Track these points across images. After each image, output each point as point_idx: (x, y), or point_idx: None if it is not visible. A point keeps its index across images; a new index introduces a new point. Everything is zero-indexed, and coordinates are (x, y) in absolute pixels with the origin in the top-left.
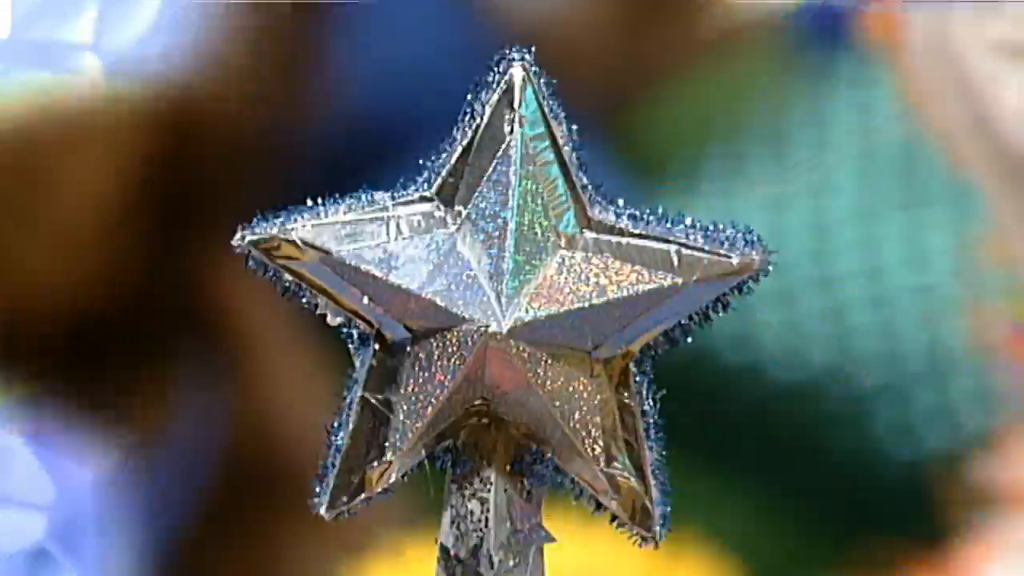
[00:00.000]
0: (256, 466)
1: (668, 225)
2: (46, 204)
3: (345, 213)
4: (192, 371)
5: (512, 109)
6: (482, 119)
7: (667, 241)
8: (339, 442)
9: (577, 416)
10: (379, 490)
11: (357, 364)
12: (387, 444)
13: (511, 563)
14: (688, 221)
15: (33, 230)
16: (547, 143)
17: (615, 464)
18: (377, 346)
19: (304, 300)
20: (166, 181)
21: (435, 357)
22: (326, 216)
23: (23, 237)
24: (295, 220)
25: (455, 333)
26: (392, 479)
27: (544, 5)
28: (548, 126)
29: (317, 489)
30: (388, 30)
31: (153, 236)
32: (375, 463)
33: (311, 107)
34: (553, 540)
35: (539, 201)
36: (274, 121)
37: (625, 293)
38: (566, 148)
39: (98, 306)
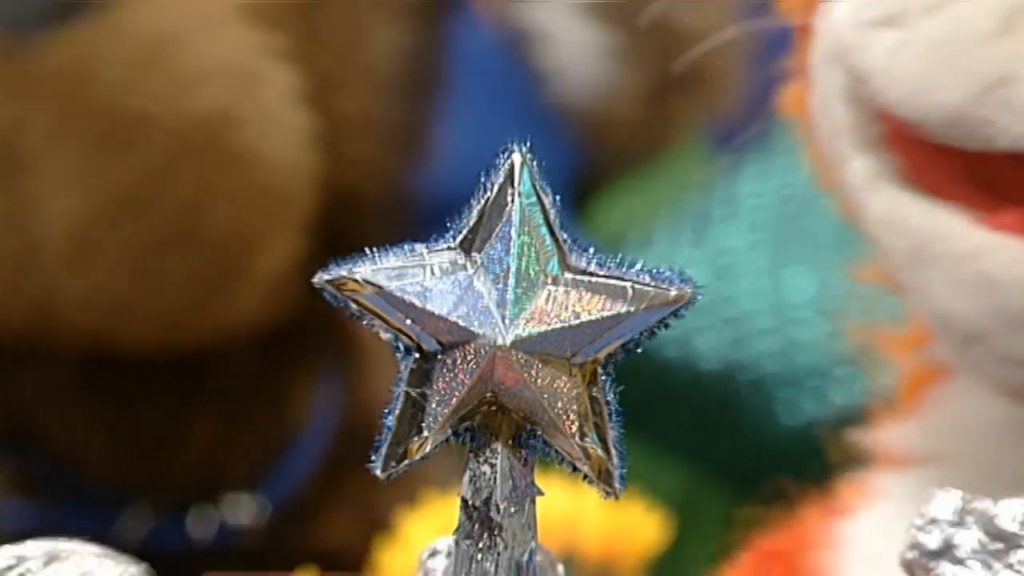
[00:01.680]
0: (362, 441)
1: (625, 269)
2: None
3: (394, 260)
4: (327, 370)
5: (512, 186)
6: (491, 193)
7: (624, 279)
8: (388, 423)
9: (560, 405)
10: (418, 458)
11: (402, 368)
12: (423, 425)
13: (512, 510)
14: (639, 265)
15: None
16: (538, 209)
17: (587, 439)
18: (416, 355)
19: (365, 322)
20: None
21: (458, 363)
22: (380, 262)
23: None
24: (359, 265)
25: (472, 346)
26: (427, 450)
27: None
28: (539, 197)
29: (373, 458)
30: (472, 113)
31: (312, 269)
32: (415, 438)
33: (413, 173)
34: (542, 493)
35: (532, 251)
36: (390, 184)
37: (594, 317)
38: (552, 212)
39: (277, 319)
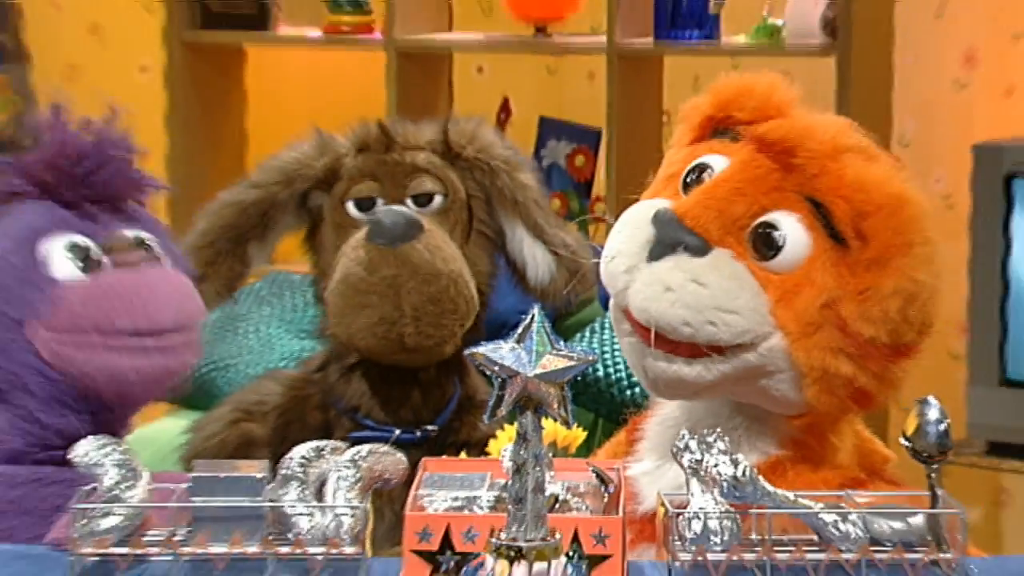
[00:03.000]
0: (476, 407)
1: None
2: None
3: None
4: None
5: (532, 324)
6: (514, 331)
7: (571, 353)
8: (490, 402)
9: (552, 396)
10: (500, 416)
11: (495, 384)
12: (503, 405)
13: (533, 433)
14: (573, 347)
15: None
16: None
17: (560, 409)
18: (499, 382)
19: (479, 366)
20: None
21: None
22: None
23: None
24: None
25: (519, 378)
26: (503, 414)
27: None
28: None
29: (485, 416)
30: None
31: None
32: (499, 408)
33: None
34: (543, 428)
35: (545, 339)
36: None
37: (564, 367)
38: (552, 335)
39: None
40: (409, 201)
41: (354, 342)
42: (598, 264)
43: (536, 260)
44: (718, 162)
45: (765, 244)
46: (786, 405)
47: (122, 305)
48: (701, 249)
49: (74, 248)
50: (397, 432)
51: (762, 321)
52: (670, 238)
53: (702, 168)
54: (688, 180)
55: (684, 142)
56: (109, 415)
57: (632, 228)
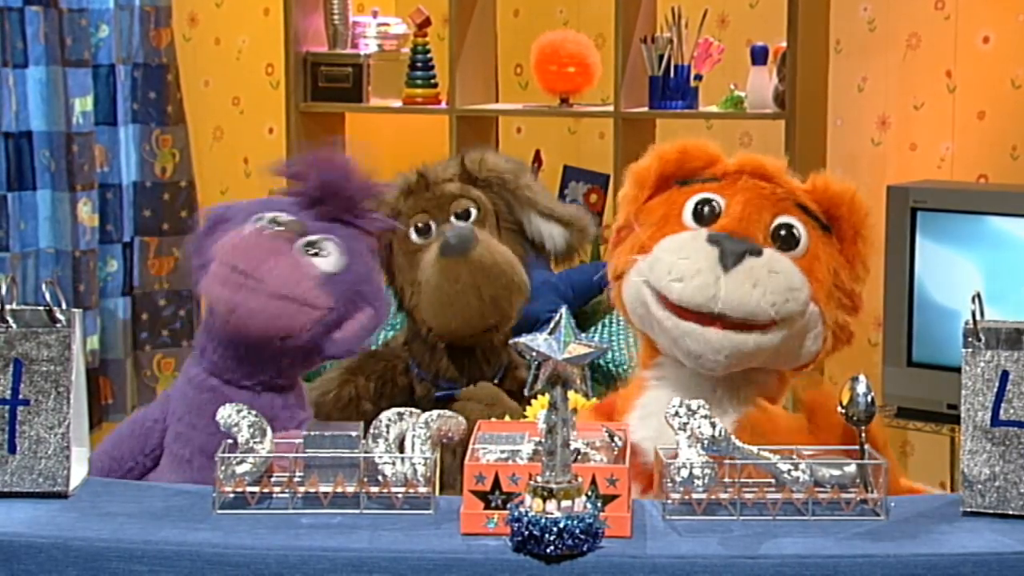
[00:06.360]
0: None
1: (587, 341)
2: None
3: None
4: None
5: (561, 320)
6: (547, 325)
7: (590, 343)
8: (528, 380)
9: (576, 374)
10: (536, 389)
11: (533, 366)
12: (538, 382)
13: (561, 400)
14: (591, 338)
15: None
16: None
17: (583, 385)
18: (536, 363)
19: (525, 357)
20: None
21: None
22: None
23: None
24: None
25: (551, 360)
26: (539, 387)
27: None
28: (572, 329)
29: (525, 389)
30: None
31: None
32: (537, 383)
33: None
34: (568, 398)
35: (570, 332)
36: None
37: (584, 352)
38: (575, 329)
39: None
40: (453, 219)
41: (454, 333)
42: (596, 225)
43: (552, 235)
44: (716, 197)
45: (790, 238)
46: (803, 358)
47: (238, 249)
48: (759, 251)
49: (260, 218)
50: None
51: (808, 292)
52: (736, 249)
53: (706, 202)
54: (701, 211)
55: (642, 197)
56: (256, 358)
57: (692, 251)
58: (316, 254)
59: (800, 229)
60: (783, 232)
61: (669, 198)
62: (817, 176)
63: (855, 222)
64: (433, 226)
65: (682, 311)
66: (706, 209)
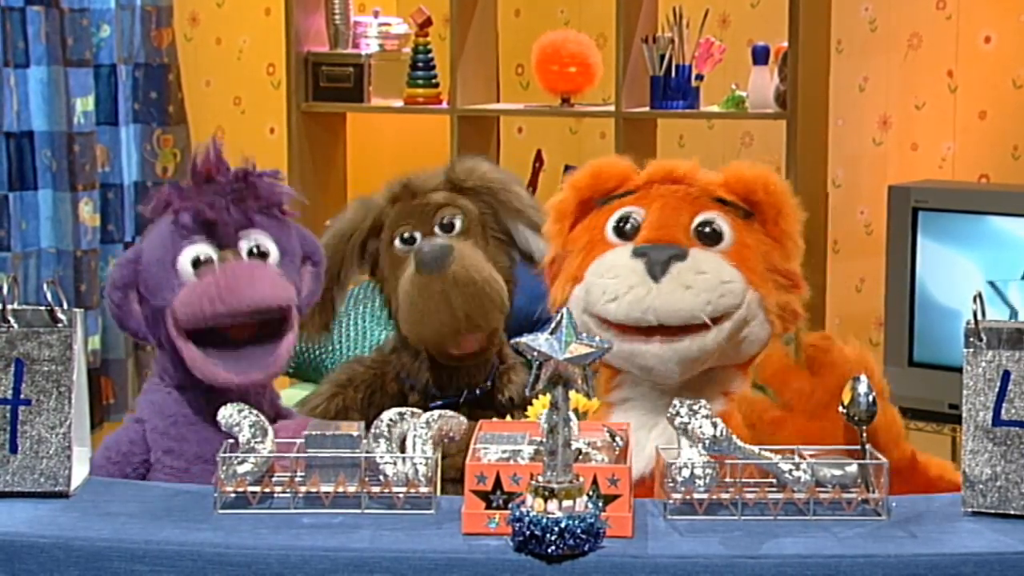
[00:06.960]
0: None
1: (587, 341)
2: None
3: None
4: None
5: (562, 320)
6: (548, 325)
7: (589, 341)
8: (530, 380)
9: (577, 375)
10: (537, 390)
11: (535, 365)
12: (540, 383)
13: (562, 399)
14: (592, 338)
15: None
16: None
17: (583, 386)
18: (538, 363)
19: (531, 358)
20: None
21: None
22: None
23: None
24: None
25: (553, 360)
26: (540, 387)
27: None
28: (573, 329)
29: (526, 389)
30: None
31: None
32: (538, 384)
33: None
34: (569, 397)
35: (571, 333)
36: None
37: (584, 352)
38: (576, 329)
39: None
40: (437, 229)
41: (426, 345)
42: None
43: (540, 247)
44: (635, 209)
45: (713, 234)
46: (755, 346)
47: (220, 294)
48: (684, 254)
49: (195, 261)
50: (465, 393)
51: (742, 283)
52: (660, 257)
53: (626, 217)
54: (623, 227)
55: (566, 229)
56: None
57: (619, 269)
58: (264, 255)
59: (721, 222)
60: (705, 229)
61: (591, 223)
62: (728, 167)
63: (774, 202)
64: (418, 236)
65: (624, 329)
66: (627, 224)
